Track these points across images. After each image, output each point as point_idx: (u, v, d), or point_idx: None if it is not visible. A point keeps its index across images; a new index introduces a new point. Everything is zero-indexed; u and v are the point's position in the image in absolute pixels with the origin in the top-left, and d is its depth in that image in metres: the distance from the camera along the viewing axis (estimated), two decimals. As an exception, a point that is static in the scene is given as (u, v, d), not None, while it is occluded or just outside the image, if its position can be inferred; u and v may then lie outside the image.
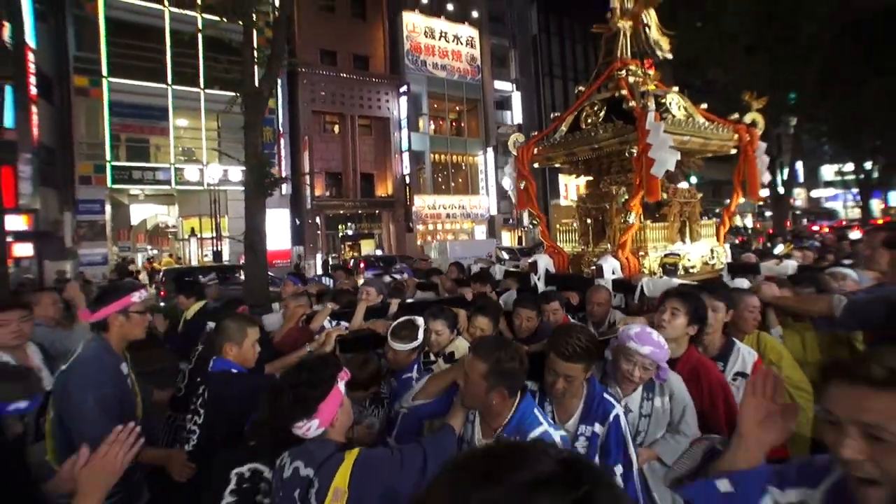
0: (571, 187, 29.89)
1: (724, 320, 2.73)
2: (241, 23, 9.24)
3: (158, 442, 3.11)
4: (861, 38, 17.08)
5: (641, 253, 4.33)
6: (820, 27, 15.86)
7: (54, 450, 2.14)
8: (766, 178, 4.85)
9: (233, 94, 9.38)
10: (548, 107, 30.58)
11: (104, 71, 17.87)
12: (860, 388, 0.91)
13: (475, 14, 28.62)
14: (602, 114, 4.52)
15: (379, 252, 24.95)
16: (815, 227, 15.90)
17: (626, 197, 4.55)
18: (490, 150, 28.75)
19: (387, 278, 6.43)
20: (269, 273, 10.16)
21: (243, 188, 9.41)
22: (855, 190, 24.30)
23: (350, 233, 26.69)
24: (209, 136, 20.35)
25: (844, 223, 21.64)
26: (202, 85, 19.61)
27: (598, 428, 1.99)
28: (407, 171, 25.80)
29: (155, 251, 23.84)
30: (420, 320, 2.74)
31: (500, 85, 29.99)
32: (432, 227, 27.15)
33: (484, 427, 1.91)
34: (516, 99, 30.60)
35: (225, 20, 9.82)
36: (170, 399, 3.41)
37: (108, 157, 18.13)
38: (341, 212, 25.93)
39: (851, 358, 1.06)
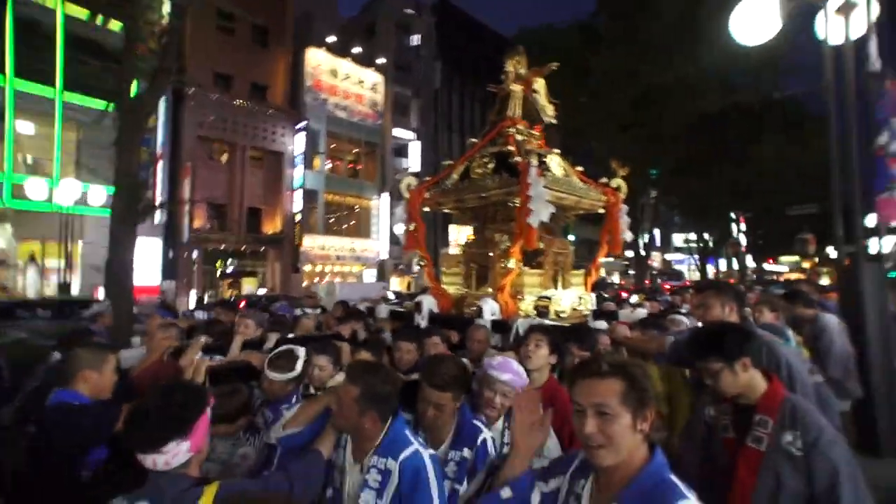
0: (462, 237, 30.74)
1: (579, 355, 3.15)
2: (123, 24, 8.25)
3: None
4: (711, 132, 20.13)
5: (518, 296, 4.73)
6: (680, 119, 18.62)
7: None
8: (629, 236, 5.41)
9: (101, 103, 8.25)
10: (445, 156, 31.54)
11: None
12: (592, 379, 1.30)
13: (382, 60, 29.17)
14: (491, 166, 4.85)
15: (262, 291, 23.27)
16: (667, 286, 18.55)
17: (508, 244, 4.92)
18: (385, 195, 28.77)
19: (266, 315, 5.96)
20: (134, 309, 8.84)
21: (109, 211, 8.18)
22: (696, 256, 28.84)
23: (231, 270, 24.68)
24: (66, 148, 17.76)
25: (689, 283, 25.24)
26: (59, 86, 17.23)
27: (466, 452, 2.07)
28: (298, 208, 24.77)
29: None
30: (301, 350, 2.58)
31: (399, 132, 30.50)
32: (320, 269, 26.16)
33: (355, 450, 1.93)
34: (415, 147, 31.28)
35: (99, 18, 8.76)
36: None
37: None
38: (223, 247, 23.91)
39: (589, 360, 1.45)
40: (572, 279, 5.37)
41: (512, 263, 4.61)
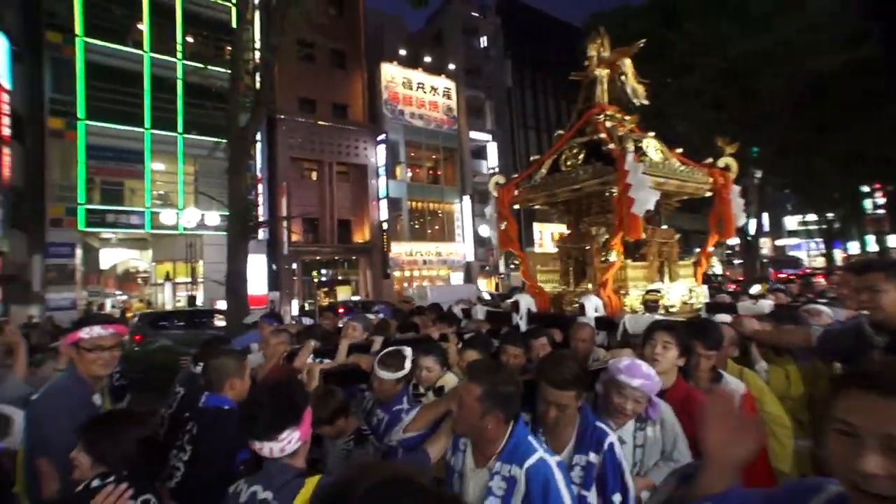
0: (546, 235, 30.60)
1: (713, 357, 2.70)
2: (228, 69, 9.44)
3: None
4: (819, 102, 18.07)
5: (622, 291, 4.42)
6: (778, 92, 16.83)
7: (24, 482, 2.11)
8: (742, 220, 4.94)
9: (213, 139, 9.49)
10: (522, 156, 31.65)
11: (80, 114, 17.75)
12: (889, 398, 0.84)
13: (451, 66, 29.85)
14: (581, 156, 4.67)
15: (356, 297, 24.65)
16: (781, 275, 16.36)
17: (607, 237, 4.69)
18: (466, 199, 29.30)
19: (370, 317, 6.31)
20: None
21: (224, 232, 9.38)
22: (819, 239, 25.26)
23: (326, 279, 26.37)
24: (186, 180, 20.18)
25: (809, 271, 22.30)
26: (180, 129, 19.67)
27: (592, 457, 1.96)
28: (384, 217, 25.95)
29: (124, 296, 23.03)
30: (408, 350, 2.71)
31: (475, 135, 30.95)
32: (409, 274, 27.13)
33: (477, 455, 1.85)
34: (492, 148, 31.52)
35: (206, 66, 10.02)
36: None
37: (80, 199, 17.75)
38: (318, 258, 25.73)
39: (873, 368, 0.96)
40: (680, 270, 4.96)
41: (613, 256, 4.36)
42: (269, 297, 21.93)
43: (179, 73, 17.70)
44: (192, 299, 17.19)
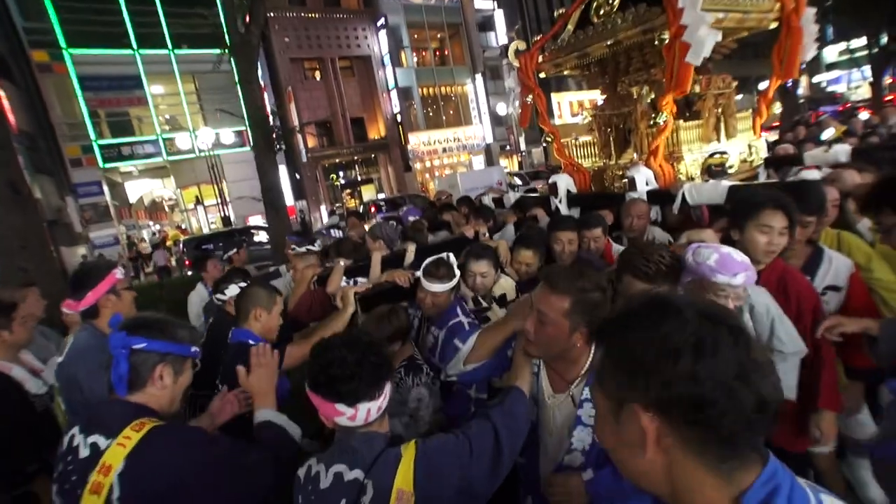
0: (564, 105, 29.00)
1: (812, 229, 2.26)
2: None
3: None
4: None
5: (675, 157, 3.87)
6: None
7: None
8: (812, 52, 4.06)
9: (206, 50, 8.92)
10: (533, 20, 29.14)
11: (62, 42, 16.84)
12: None
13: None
14: (616, 1, 3.92)
15: (381, 195, 24.68)
16: (821, 115, 14.90)
17: (653, 96, 4.04)
18: (479, 77, 27.68)
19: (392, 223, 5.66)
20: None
21: (241, 149, 9.20)
22: (865, 67, 22.85)
23: (343, 182, 26.23)
24: (189, 99, 19.56)
25: (849, 105, 20.59)
26: (170, 46, 18.64)
27: None
28: (397, 109, 25.00)
29: (157, 226, 23.69)
30: (451, 257, 2.41)
31: (480, 4, 28.37)
32: (429, 164, 26.69)
33: (554, 378, 1.59)
34: (499, 18, 29.05)
35: None
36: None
37: (92, 136, 17.59)
38: (337, 160, 25.43)
39: None
40: (738, 125, 4.28)
41: (664, 118, 3.70)
42: (298, 207, 22.19)
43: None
44: (226, 220, 17.51)
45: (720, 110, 4.17)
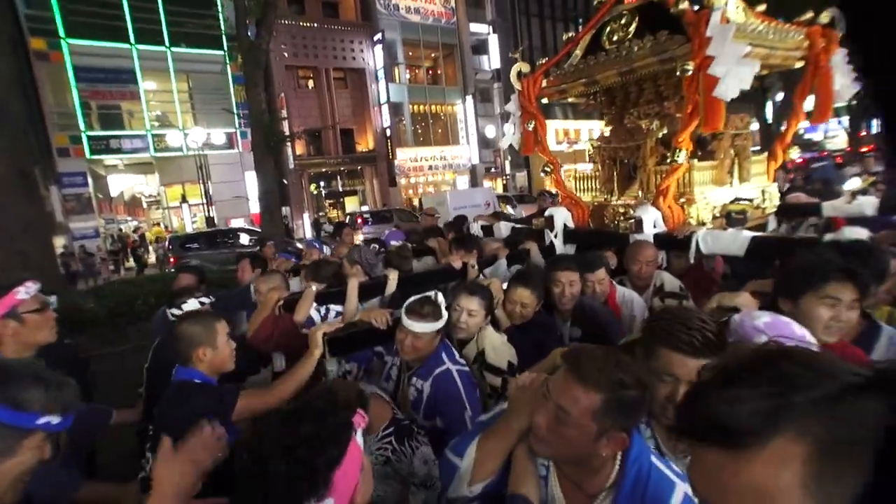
0: (550, 133, 29.35)
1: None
2: None
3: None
4: None
5: (684, 200, 3.57)
6: None
7: None
8: (849, 93, 3.71)
9: (201, 50, 9.15)
10: (527, 49, 29.94)
11: (61, 31, 16.82)
12: None
13: (445, -49, 27.39)
14: (632, 28, 3.64)
15: (365, 208, 24.83)
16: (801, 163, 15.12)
17: (664, 131, 3.75)
18: (469, 98, 28.29)
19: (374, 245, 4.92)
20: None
21: (229, 150, 9.35)
22: (843, 118, 23.02)
23: (325, 191, 26.27)
24: (181, 98, 19.55)
25: (826, 153, 21.13)
26: (167, 43, 18.68)
27: None
28: (387, 123, 25.32)
29: (134, 222, 23.31)
30: (440, 296, 2.13)
31: (476, 28, 29.09)
32: (415, 181, 26.99)
33: (568, 488, 1.21)
34: (493, 42, 29.80)
35: None
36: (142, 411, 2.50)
37: (82, 126, 17.45)
38: (323, 170, 25.55)
39: None
40: (752, 168, 3.97)
41: (682, 157, 3.34)
42: (282, 213, 22.16)
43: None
44: (210, 220, 17.45)
45: (735, 152, 3.90)
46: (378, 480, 1.75)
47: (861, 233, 2.55)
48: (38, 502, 1.24)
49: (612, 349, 1.25)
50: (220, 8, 18.82)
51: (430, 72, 28.81)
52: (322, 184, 25.89)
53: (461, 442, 1.37)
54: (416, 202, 23.63)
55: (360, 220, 16.51)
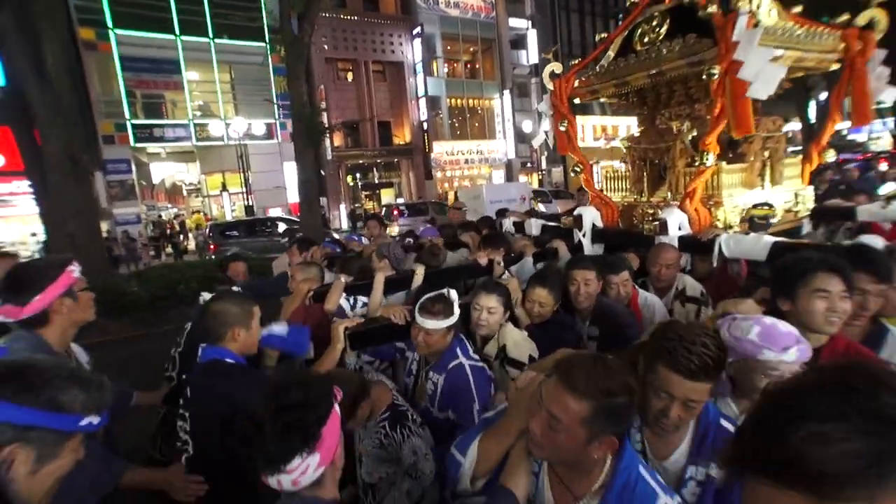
0: (588, 129, 29.15)
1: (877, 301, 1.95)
2: None
3: (153, 454, 2.63)
4: None
5: (712, 202, 3.57)
6: None
7: None
8: (890, 95, 3.66)
9: (244, 42, 9.33)
10: (566, 44, 29.40)
11: (109, 22, 17.41)
12: None
13: (487, -56, 27.10)
14: (664, 29, 3.64)
15: (401, 200, 24.92)
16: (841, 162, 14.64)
17: (695, 133, 3.72)
18: (507, 93, 27.98)
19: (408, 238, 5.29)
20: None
21: (269, 140, 9.49)
22: (889, 119, 22.44)
23: (361, 183, 26.51)
24: (223, 88, 20.01)
25: (870, 155, 20.26)
26: (211, 35, 19.13)
27: (713, 470, 1.38)
28: (424, 117, 25.32)
29: (174, 209, 24.02)
30: (453, 293, 2.21)
31: (514, 22, 28.73)
32: (451, 174, 26.92)
33: (558, 488, 1.29)
34: (532, 37, 29.34)
35: None
36: (164, 394, 2.56)
37: (127, 115, 18.04)
38: (360, 161, 25.76)
39: None
40: (785, 171, 3.94)
41: (711, 159, 3.35)
42: (319, 203, 22.51)
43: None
44: (249, 209, 17.83)
45: (767, 154, 3.85)
46: (376, 463, 1.92)
47: (877, 241, 2.56)
48: (78, 491, 1.24)
49: (602, 356, 1.28)
50: (263, 1, 19.21)
51: (469, 66, 28.57)
52: (359, 175, 26.15)
53: (464, 440, 1.46)
54: (451, 195, 23.53)
55: (395, 212, 16.55)
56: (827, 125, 3.97)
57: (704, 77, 3.26)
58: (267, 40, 19.37)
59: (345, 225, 21.95)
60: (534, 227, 4.72)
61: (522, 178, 28.46)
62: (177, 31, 18.63)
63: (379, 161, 26.54)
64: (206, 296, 2.52)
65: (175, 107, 19.69)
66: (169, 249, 18.40)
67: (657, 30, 3.67)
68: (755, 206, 3.49)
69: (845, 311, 1.74)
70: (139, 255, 15.76)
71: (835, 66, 3.71)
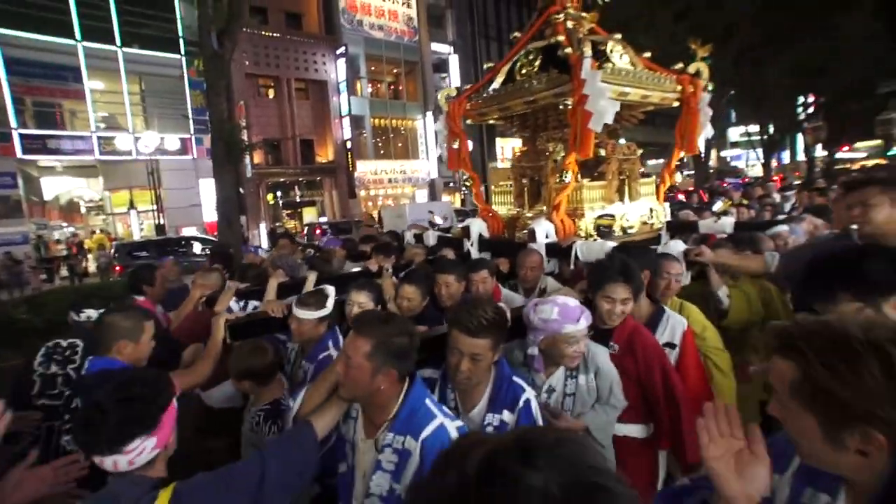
0: (508, 149, 30.54)
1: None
2: None
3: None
4: (781, 7, 18.18)
5: (578, 214, 4.12)
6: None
7: None
8: (709, 131, 4.56)
9: (156, 53, 9.02)
10: (483, 69, 30.68)
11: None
12: None
13: (410, -29, 27.93)
14: (538, 63, 4.14)
15: (323, 219, 24.60)
16: (724, 185, 17.52)
17: (563, 154, 4.28)
18: (429, 114, 28.62)
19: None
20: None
21: (183, 157, 9.20)
22: (759, 150, 26.40)
23: (283, 201, 25.94)
24: (133, 100, 18.91)
25: (748, 179, 23.94)
26: (118, 42, 18.06)
27: (506, 416, 1.76)
28: (348, 136, 25.28)
29: (70, 228, 21.99)
30: (330, 289, 2.49)
31: (437, 47, 29.67)
32: (374, 193, 26.99)
33: (366, 424, 1.61)
34: (454, 62, 30.45)
35: None
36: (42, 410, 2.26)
37: (13, 123, 16.35)
38: (281, 179, 25.19)
39: None
40: (641, 189, 4.63)
41: (569, 177, 3.98)
42: (240, 222, 21.69)
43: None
44: (160, 228, 16.87)
45: (625, 175, 4.55)
46: (245, 444, 2.25)
47: (678, 246, 3.12)
48: None
49: (391, 314, 1.78)
50: (178, 11, 18.48)
51: (392, 87, 29.05)
52: (280, 193, 25.52)
53: (298, 389, 1.78)
54: (375, 214, 23.59)
55: (318, 231, 16.40)
56: (674, 152, 4.73)
57: (561, 107, 3.96)
58: (183, 53, 18.61)
59: (265, 244, 21.29)
60: (431, 238, 5.21)
61: (446, 198, 29.08)
62: (78, 37, 17.32)
63: (301, 179, 26.12)
64: (77, 317, 2.59)
65: (75, 117, 18.23)
66: (64, 272, 16.87)
67: (533, 63, 4.22)
68: (600, 217, 4.07)
69: (625, 311, 2.25)
70: (26, 280, 14.17)
71: (675, 104, 4.46)
